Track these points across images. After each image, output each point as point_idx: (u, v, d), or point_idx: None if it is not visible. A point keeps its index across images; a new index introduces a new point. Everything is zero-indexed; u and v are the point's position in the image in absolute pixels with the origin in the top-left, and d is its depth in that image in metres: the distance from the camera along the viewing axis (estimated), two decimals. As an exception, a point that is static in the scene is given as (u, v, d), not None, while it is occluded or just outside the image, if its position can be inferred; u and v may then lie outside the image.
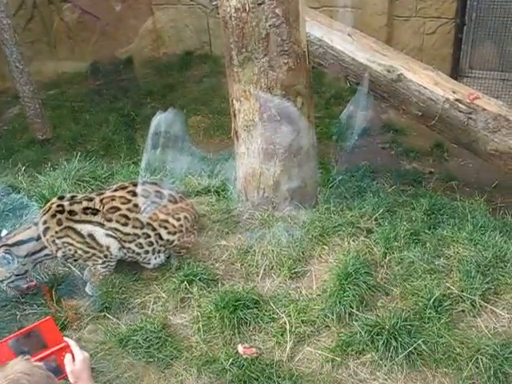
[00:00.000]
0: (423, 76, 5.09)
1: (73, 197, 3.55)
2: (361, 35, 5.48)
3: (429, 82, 5.04)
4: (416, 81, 5.04)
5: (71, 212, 3.44)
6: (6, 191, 4.40)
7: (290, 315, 3.31)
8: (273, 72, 3.47)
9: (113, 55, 7.98)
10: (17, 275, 3.48)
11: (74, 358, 2.01)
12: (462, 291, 3.30)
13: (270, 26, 3.35)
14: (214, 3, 5.60)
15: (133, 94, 7.41)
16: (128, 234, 3.50)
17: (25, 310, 3.55)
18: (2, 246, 3.39)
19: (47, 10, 7.83)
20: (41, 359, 1.92)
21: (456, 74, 6.61)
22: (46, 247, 3.47)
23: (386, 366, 3.04)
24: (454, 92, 4.96)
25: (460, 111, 4.88)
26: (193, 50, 8.13)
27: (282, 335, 3.24)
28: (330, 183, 4.46)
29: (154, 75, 7.83)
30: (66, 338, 1.98)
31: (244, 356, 3.15)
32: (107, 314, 3.48)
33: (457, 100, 4.88)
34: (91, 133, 6.61)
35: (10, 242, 3.41)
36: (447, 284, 3.37)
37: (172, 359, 3.17)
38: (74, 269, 3.78)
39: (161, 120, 3.72)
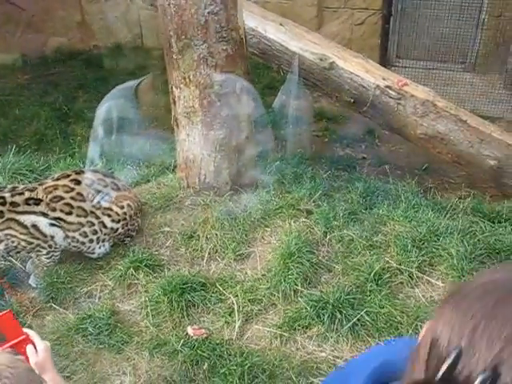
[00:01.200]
0: (354, 64, 5.26)
1: (14, 188, 3.48)
2: (293, 25, 5.60)
3: (360, 70, 5.21)
4: (348, 68, 5.20)
5: (13, 203, 3.37)
6: None
7: (236, 295, 3.39)
8: (212, 58, 3.52)
9: (41, 48, 7.77)
10: None
11: (35, 348, 1.99)
12: (400, 264, 3.48)
13: (208, 12, 3.41)
14: (148, -6, 5.59)
15: (64, 88, 7.24)
16: (72, 223, 3.48)
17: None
18: None
19: (-32, 1, 7.55)
20: None
21: (384, 63, 6.82)
22: None
23: (332, 338, 3.16)
24: (384, 79, 5.15)
25: (390, 97, 5.07)
26: (124, 42, 8.03)
27: (230, 315, 3.32)
28: (266, 170, 4.55)
29: (84, 68, 7.67)
30: (25, 329, 1.95)
31: (194, 337, 3.21)
32: (53, 305, 3.45)
33: (387, 87, 5.07)
34: (22, 128, 6.42)
35: None
36: (386, 258, 3.54)
37: (123, 344, 3.19)
38: (15, 262, 3.72)
39: (107, 107, 3.70)
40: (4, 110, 6.79)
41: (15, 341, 1.88)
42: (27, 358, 1.90)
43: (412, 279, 3.43)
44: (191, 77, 3.58)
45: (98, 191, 3.53)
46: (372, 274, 3.39)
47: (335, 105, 6.83)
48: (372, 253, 3.59)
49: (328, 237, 3.72)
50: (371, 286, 3.34)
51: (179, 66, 3.60)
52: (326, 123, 6.75)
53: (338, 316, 3.19)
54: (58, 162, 4.82)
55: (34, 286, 3.55)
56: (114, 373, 3.08)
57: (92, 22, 8.06)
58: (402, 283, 3.43)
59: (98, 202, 3.53)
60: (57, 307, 3.43)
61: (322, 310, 3.22)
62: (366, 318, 3.18)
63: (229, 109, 3.70)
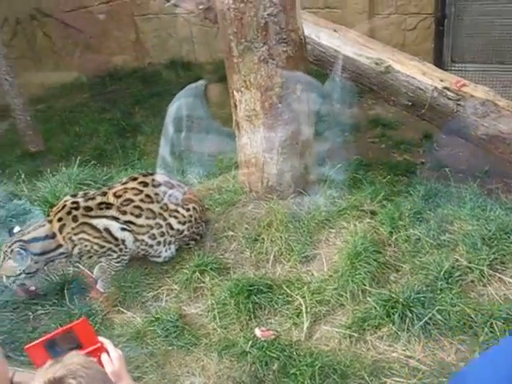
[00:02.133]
0: (410, 67, 5.19)
1: (86, 193, 3.58)
2: (346, 31, 5.59)
3: (416, 72, 5.14)
4: (404, 71, 5.13)
5: (87, 208, 3.45)
6: (7, 198, 4.40)
7: (304, 297, 3.36)
8: (272, 60, 3.54)
9: (98, 67, 8.01)
10: (27, 273, 3.46)
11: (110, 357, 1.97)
12: (470, 262, 3.39)
13: (268, 14, 3.43)
14: (201, 7, 5.67)
15: (121, 105, 7.42)
16: (142, 226, 3.53)
17: (37, 310, 3.56)
18: (18, 241, 3.38)
19: (30, 25, 7.83)
20: None
21: (439, 67, 6.74)
22: (60, 246, 3.46)
23: (403, 337, 3.09)
24: (441, 80, 5.07)
25: (449, 99, 4.97)
26: (177, 58, 8.19)
27: (297, 316, 3.29)
28: (327, 173, 4.52)
29: (140, 85, 7.85)
30: (100, 338, 1.95)
31: (262, 339, 3.19)
32: (121, 309, 3.50)
33: (445, 88, 4.98)
34: (83, 144, 6.60)
35: (25, 238, 3.40)
36: (455, 257, 3.45)
37: (191, 346, 3.20)
38: (82, 267, 3.80)
39: (178, 105, 3.76)
40: (65, 128, 7.00)
41: (90, 349, 1.87)
42: (102, 366, 1.89)
43: (484, 277, 3.32)
44: (252, 80, 3.60)
45: (165, 193, 3.58)
46: (442, 273, 3.30)
47: (390, 111, 6.79)
48: (440, 251, 3.50)
49: (394, 236, 3.66)
50: (441, 284, 3.26)
51: (240, 70, 3.63)
52: (382, 129, 6.67)
53: (409, 315, 3.12)
54: (119, 172, 4.93)
55: (102, 290, 3.60)
56: (184, 374, 3.09)
57: (146, 40, 8.27)
58: (473, 281, 3.32)
59: (165, 204, 3.57)
60: (125, 311, 3.48)
61: (392, 309, 3.16)
62: (438, 316, 3.10)
63: (290, 110, 3.70)
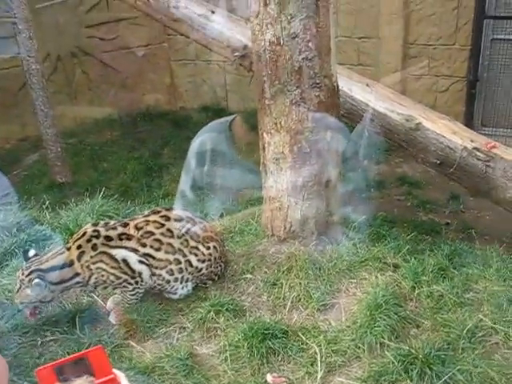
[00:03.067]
0: (441, 125, 5.18)
1: (107, 223, 3.55)
2: (379, 86, 5.63)
3: (447, 131, 5.12)
4: (434, 129, 5.12)
5: (107, 237, 3.42)
6: (29, 223, 4.41)
7: (319, 345, 3.25)
8: (304, 104, 3.55)
9: (131, 107, 8.17)
10: (42, 302, 3.43)
11: None
12: (495, 323, 3.27)
13: (303, 58, 3.47)
14: (236, 54, 5.77)
15: (150, 145, 7.54)
16: (160, 260, 3.49)
17: (46, 336, 3.49)
18: (36, 270, 3.33)
19: (70, 62, 8.06)
20: None
21: (469, 130, 6.74)
22: (77, 274, 3.41)
23: (417, 397, 2.97)
24: (471, 141, 5.04)
25: (478, 159, 4.93)
26: (209, 104, 8.32)
27: (311, 365, 3.18)
28: (351, 224, 4.46)
29: (170, 127, 7.98)
30: (114, 370, 1.86)
31: (273, 386, 3.09)
32: (131, 342, 3.42)
33: (475, 148, 4.94)
34: (109, 179, 6.67)
35: (43, 266, 3.35)
36: (479, 316, 3.33)
37: (200, 387, 3.11)
38: (96, 298, 3.75)
39: (201, 140, 3.77)
40: (94, 162, 7.10)
41: (103, 379, 1.78)
42: None
43: (509, 340, 3.19)
44: (282, 122, 3.61)
45: (187, 229, 3.54)
46: (464, 332, 3.18)
47: (418, 170, 6.77)
48: (464, 310, 3.39)
49: (416, 291, 3.57)
50: (464, 343, 3.14)
51: (271, 112, 3.64)
52: (409, 188, 6.63)
53: (428, 372, 2.99)
54: (142, 208, 4.93)
55: (114, 322, 3.54)
56: (190, 415, 2.99)
57: (180, 85, 8.44)
58: (497, 343, 3.19)
59: (186, 240, 3.54)
60: (134, 345, 3.40)
61: (411, 365, 3.03)
62: (459, 376, 2.96)
63: (319, 156, 3.69)
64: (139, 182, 6.56)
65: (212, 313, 3.49)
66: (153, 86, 8.32)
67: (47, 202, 4.84)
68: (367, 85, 5.52)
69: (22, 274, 3.35)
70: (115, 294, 3.62)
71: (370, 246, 4.04)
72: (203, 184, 4.31)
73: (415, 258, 3.88)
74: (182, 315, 3.60)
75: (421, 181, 6.66)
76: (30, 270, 3.34)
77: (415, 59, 7.18)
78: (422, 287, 3.59)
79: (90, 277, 3.43)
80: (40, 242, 4.20)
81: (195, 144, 3.81)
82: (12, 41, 6.60)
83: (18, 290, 3.37)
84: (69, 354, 3.30)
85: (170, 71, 8.38)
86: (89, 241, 3.41)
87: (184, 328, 3.52)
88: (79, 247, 3.40)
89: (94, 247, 3.39)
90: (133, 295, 3.52)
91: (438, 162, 5.14)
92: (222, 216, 4.30)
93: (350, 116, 5.47)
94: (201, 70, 8.26)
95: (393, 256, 3.92)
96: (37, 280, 3.29)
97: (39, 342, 3.45)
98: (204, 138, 3.80)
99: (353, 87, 5.50)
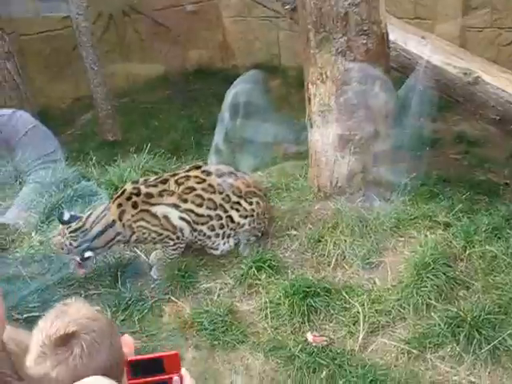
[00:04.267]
0: (502, 79, 4.87)
1: (146, 180, 3.49)
2: (435, 38, 5.34)
3: (508, 85, 4.81)
4: (494, 83, 4.82)
5: (147, 194, 3.37)
6: (76, 179, 4.43)
7: (363, 305, 3.14)
8: (351, 53, 3.37)
9: (183, 65, 8.11)
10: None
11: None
12: (553, 288, 3.07)
13: (349, 4, 3.27)
14: (287, 7, 5.58)
15: (201, 103, 7.47)
16: (202, 216, 3.42)
17: (89, 289, 3.52)
18: (84, 241, 3.32)
19: (122, 21, 8.03)
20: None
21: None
22: (119, 233, 3.38)
23: (468, 360, 2.82)
24: (535, 95, 4.73)
25: (542, 115, 4.64)
26: (262, 62, 8.14)
27: (354, 325, 3.08)
28: (402, 181, 4.27)
29: (222, 85, 7.84)
30: (183, 371, 1.82)
31: (313, 344, 3.01)
32: (172, 297, 3.40)
33: (538, 103, 4.65)
34: (160, 137, 6.66)
35: (89, 236, 3.32)
36: (536, 279, 3.14)
37: (238, 343, 3.06)
38: (139, 253, 3.74)
39: (236, 91, 3.65)
40: (145, 121, 7.11)
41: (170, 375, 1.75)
42: None
43: None
44: (328, 72, 3.44)
45: (229, 184, 3.45)
46: (518, 294, 3.01)
47: (476, 128, 6.44)
48: (519, 272, 3.20)
49: (468, 252, 3.37)
50: (517, 307, 2.96)
51: (316, 62, 3.47)
52: (466, 146, 6.32)
53: (477, 336, 2.84)
54: (190, 164, 4.86)
55: (155, 277, 3.52)
56: (226, 371, 2.96)
57: (232, 42, 8.28)
58: (555, 310, 3.00)
59: (228, 196, 3.45)
60: (175, 300, 3.38)
61: (458, 328, 2.89)
62: (510, 341, 2.80)
63: (367, 108, 3.51)
64: (189, 140, 6.52)
65: (254, 269, 3.42)
66: (205, 43, 8.20)
67: (93, 159, 4.83)
68: (423, 37, 5.23)
69: (68, 243, 3.34)
70: (158, 248, 3.60)
71: (421, 204, 3.86)
72: (237, 137, 4.17)
73: (468, 218, 3.67)
74: (224, 271, 3.55)
75: (479, 139, 6.32)
76: (78, 242, 3.33)
77: (476, 10, 6.76)
78: (473, 247, 3.39)
79: (131, 235, 3.40)
80: (86, 197, 4.21)
81: (230, 95, 3.67)
82: (65, 1, 6.62)
83: (62, 251, 3.40)
84: (110, 308, 3.33)
85: (222, 28, 8.24)
86: (129, 198, 3.36)
87: (225, 284, 3.47)
88: (119, 205, 3.36)
89: (135, 205, 3.35)
90: (174, 250, 3.48)
91: (498, 118, 4.85)
92: (256, 171, 4.17)
93: (403, 70, 5.22)
94: (253, 26, 8.07)
95: (444, 215, 3.72)
96: (88, 254, 3.30)
97: (83, 295, 3.47)
98: (239, 89, 3.66)
99: (407, 40, 5.23)
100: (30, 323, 3.33)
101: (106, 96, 6.20)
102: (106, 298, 3.42)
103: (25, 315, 3.28)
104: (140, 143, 6.39)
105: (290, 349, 2.97)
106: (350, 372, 2.81)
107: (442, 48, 5.19)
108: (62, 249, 3.37)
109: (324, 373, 2.83)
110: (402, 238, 3.53)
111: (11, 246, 3.99)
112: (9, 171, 4.64)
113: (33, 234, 3.98)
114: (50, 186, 4.30)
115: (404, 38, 5.25)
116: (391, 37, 5.25)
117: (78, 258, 3.38)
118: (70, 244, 3.33)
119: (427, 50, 5.09)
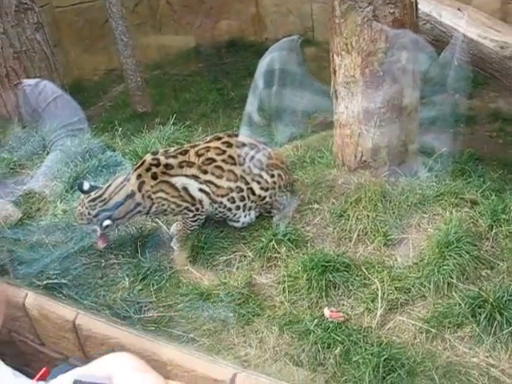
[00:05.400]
0: (542, 54, 4.70)
1: (166, 151, 3.47)
2: (472, 10, 5.16)
3: (549, 60, 4.65)
4: (534, 58, 4.66)
5: (167, 165, 3.34)
6: (101, 149, 4.45)
7: (382, 281, 3.07)
8: (377, 23, 3.25)
9: (215, 38, 8.04)
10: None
11: None
12: None
13: (376, -29, 3.16)
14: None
15: (233, 76, 7.42)
16: (222, 188, 3.38)
17: (110, 259, 3.54)
18: (102, 210, 3.33)
19: (154, -7, 8.01)
20: None
21: None
22: (139, 204, 3.37)
23: (487, 341, 2.72)
24: None
25: None
26: (295, 35, 8.02)
27: (372, 301, 3.01)
28: (430, 157, 4.15)
29: (255, 59, 7.73)
30: None
31: (330, 319, 2.96)
32: (190, 268, 3.39)
33: None
34: (190, 109, 6.66)
35: (108, 206, 3.33)
36: None
37: (253, 316, 3.02)
38: (161, 223, 3.74)
39: (270, 59, 3.55)
40: (176, 93, 7.10)
41: None
42: None
43: None
44: (353, 43, 3.33)
45: (250, 156, 3.40)
46: (545, 276, 2.89)
47: (515, 103, 6.23)
48: (547, 254, 3.08)
49: (494, 230, 3.25)
50: (542, 289, 2.85)
51: (341, 31, 3.37)
52: (502, 124, 6.13)
53: (498, 318, 2.74)
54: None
55: (175, 248, 3.52)
56: (240, 343, 2.92)
57: (266, 15, 8.17)
58: None
59: (249, 167, 3.40)
60: (193, 271, 3.37)
61: (479, 308, 2.79)
62: (533, 323, 2.71)
63: (393, 80, 3.39)
64: (219, 113, 6.50)
65: (274, 242, 3.37)
66: (238, 16, 8.11)
67: (119, 130, 4.83)
68: (459, 9, 5.07)
69: (87, 212, 3.36)
70: (179, 220, 3.59)
71: (449, 181, 3.74)
72: (271, 106, 4.07)
73: (497, 196, 3.55)
74: (244, 244, 3.51)
75: (516, 116, 6.14)
76: (96, 211, 3.34)
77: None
78: (500, 226, 3.27)
79: (151, 206, 3.39)
80: (110, 167, 4.23)
81: (263, 63, 3.57)
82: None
83: (81, 221, 3.42)
84: (128, 277, 3.35)
85: (255, 1, 8.12)
86: (148, 169, 3.34)
87: (245, 256, 3.44)
88: (139, 176, 3.34)
89: (154, 176, 3.33)
90: (194, 221, 3.46)
91: (536, 94, 4.70)
92: (290, 141, 4.09)
93: (438, 43, 5.07)
94: (287, -1, 7.95)
95: (472, 192, 3.60)
96: (107, 222, 3.30)
97: (103, 264, 3.51)
98: (273, 57, 3.56)
99: (442, 12, 5.09)
100: (49, 290, 3.41)
101: (136, 68, 6.19)
102: (125, 267, 3.44)
103: (44, 282, 3.33)
104: (170, 115, 6.41)
105: (305, 323, 2.92)
106: (366, 349, 2.75)
107: (479, 20, 5.02)
108: (82, 219, 3.38)
109: (338, 349, 2.78)
110: (427, 215, 3.43)
111: (37, 214, 4.04)
112: (36, 140, 4.69)
113: (57, 203, 4.02)
114: (75, 155, 4.33)
115: (439, 10, 5.10)
116: (425, 8, 5.13)
117: (98, 229, 3.39)
118: (89, 213, 3.34)
119: (463, 22, 4.93)
